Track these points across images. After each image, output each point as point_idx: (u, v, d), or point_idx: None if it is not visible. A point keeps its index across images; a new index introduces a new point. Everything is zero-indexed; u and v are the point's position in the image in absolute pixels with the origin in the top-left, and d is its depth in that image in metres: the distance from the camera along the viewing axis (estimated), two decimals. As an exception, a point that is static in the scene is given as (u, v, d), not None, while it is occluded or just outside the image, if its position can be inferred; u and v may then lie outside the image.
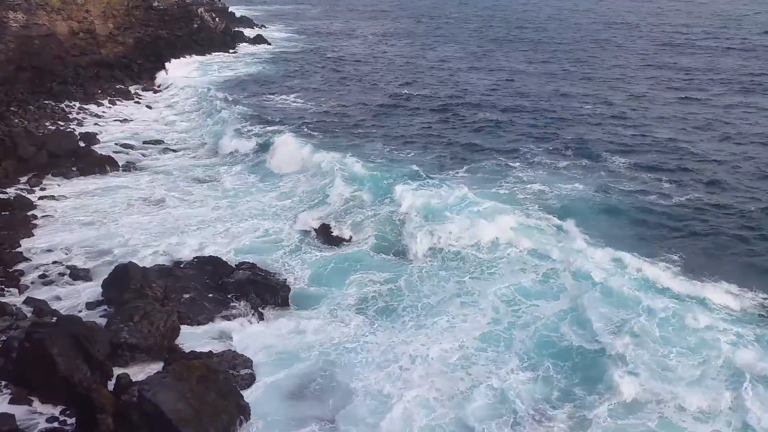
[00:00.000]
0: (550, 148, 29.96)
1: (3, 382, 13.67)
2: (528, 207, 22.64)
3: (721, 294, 16.62)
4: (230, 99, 41.15)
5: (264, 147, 29.98)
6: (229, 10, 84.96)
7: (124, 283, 16.74)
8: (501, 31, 77.84)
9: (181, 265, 19.05)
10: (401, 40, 74.30)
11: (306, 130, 33.27)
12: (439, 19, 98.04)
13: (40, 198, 25.18)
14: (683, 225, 21.49)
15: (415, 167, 26.27)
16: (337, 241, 20.94)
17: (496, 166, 27.72)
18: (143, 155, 31.19)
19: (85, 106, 39.86)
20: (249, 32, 75.18)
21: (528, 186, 24.91)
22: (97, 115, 38.85)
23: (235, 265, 18.93)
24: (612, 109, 37.58)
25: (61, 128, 33.76)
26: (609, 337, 14.83)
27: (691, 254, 19.32)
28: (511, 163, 27.92)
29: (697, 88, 43.23)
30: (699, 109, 37.07)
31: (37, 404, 13.24)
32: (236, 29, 73.68)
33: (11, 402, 13.20)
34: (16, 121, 33.25)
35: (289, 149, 28.52)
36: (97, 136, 33.44)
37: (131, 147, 32.30)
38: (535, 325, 15.76)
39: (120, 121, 37.93)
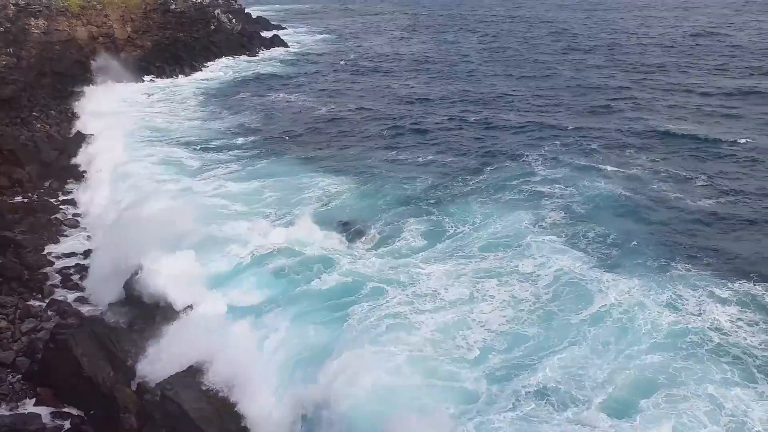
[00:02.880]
0: (575, 146, 29.16)
1: (29, 383, 13.90)
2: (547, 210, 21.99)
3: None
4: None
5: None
6: (246, 11, 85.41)
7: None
8: (526, 29, 76.98)
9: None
10: (421, 36, 73.99)
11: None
12: (463, 15, 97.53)
13: (63, 202, 25.53)
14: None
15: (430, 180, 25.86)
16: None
17: (518, 167, 26.84)
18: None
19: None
20: (266, 33, 75.54)
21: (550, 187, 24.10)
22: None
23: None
24: (637, 105, 36.90)
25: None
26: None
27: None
28: (533, 163, 27.13)
29: (739, 79, 41.87)
30: (742, 105, 35.77)
31: (61, 404, 13.41)
32: (253, 30, 74.06)
33: (37, 403, 13.42)
34: (38, 126, 33.78)
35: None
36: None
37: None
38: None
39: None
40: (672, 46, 57.37)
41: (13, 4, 40.48)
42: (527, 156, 28.03)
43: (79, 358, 13.48)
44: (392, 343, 14.36)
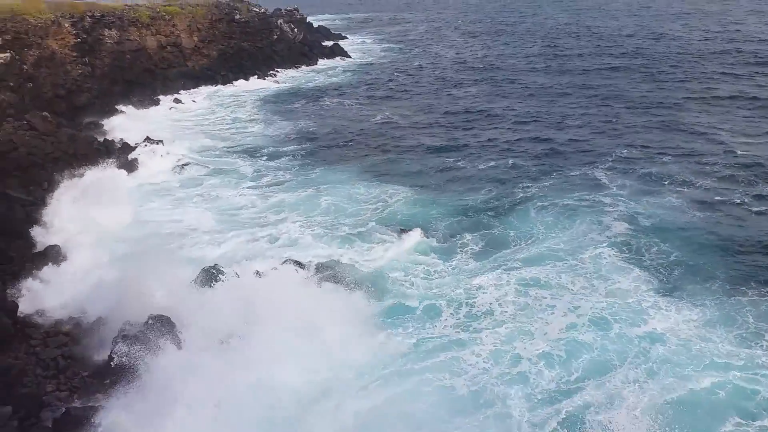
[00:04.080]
0: (643, 158, 28.19)
1: (98, 378, 14.51)
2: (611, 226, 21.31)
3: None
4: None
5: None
6: (308, 20, 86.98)
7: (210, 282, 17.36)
8: (590, 37, 75.73)
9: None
10: (483, 43, 73.64)
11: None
12: (525, 23, 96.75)
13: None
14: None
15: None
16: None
17: (581, 178, 26.33)
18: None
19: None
20: (327, 42, 76.69)
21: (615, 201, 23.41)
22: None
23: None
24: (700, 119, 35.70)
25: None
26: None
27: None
28: (598, 175, 26.48)
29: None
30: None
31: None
32: (314, 39, 75.32)
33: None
34: (108, 131, 35.28)
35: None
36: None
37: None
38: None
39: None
40: (746, 57, 55.15)
41: (90, 16, 42.51)
42: (592, 167, 27.46)
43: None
44: (447, 364, 14.36)
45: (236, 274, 17.89)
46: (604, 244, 19.82)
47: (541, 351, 14.67)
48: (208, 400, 12.96)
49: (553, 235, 20.81)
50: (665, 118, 35.18)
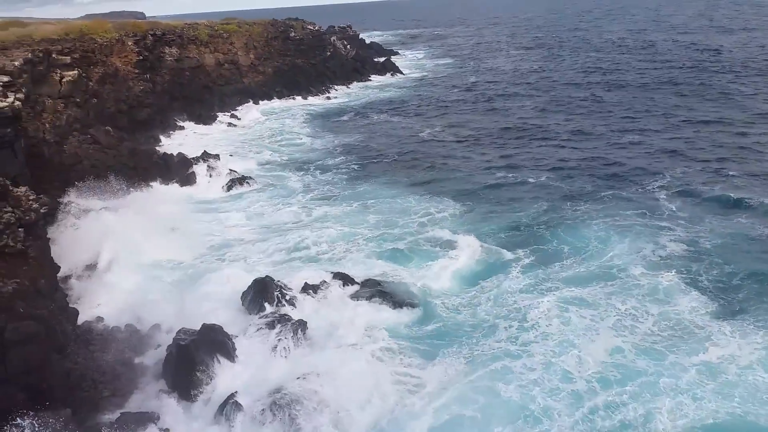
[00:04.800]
0: (708, 175, 27.15)
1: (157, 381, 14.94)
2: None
3: None
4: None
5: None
6: (360, 36, 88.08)
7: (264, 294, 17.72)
8: (652, 50, 73.98)
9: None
10: (539, 56, 72.91)
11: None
12: (582, 35, 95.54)
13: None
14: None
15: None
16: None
17: (638, 193, 25.65)
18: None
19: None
20: (379, 58, 77.40)
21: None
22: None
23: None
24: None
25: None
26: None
27: None
28: (656, 191, 25.80)
29: None
30: None
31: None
32: (366, 56, 76.16)
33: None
34: (167, 144, 36.50)
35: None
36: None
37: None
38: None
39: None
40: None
41: (151, 35, 44.16)
42: (649, 185, 26.69)
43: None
44: (498, 374, 14.26)
45: (285, 286, 18.16)
46: (660, 264, 19.21)
47: (590, 372, 14.29)
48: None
49: (606, 252, 20.27)
50: (730, 135, 33.71)
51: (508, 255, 20.79)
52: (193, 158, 32.27)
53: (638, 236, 21.23)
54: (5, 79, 19.56)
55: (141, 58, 40.43)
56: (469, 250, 21.05)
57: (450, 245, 21.53)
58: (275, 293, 17.57)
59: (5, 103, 16.68)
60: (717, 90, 46.00)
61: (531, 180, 28.71)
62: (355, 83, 64.05)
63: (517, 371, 14.37)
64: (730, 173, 27.20)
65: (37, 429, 12.30)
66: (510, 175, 29.73)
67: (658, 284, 17.96)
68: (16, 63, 23.90)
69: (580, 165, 30.55)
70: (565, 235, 21.88)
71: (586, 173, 29.09)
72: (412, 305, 17.75)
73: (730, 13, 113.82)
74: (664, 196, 25.15)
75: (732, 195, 24.43)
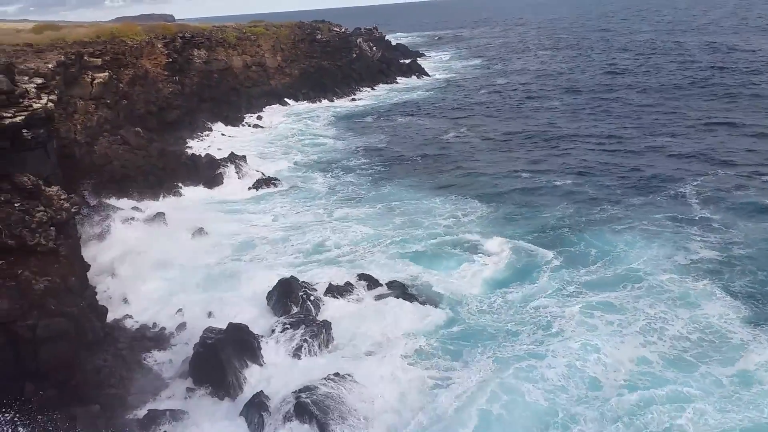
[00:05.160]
0: (743, 179, 26.40)
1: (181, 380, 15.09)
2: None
3: None
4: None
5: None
6: (386, 38, 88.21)
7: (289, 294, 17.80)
8: (683, 51, 72.71)
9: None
10: (566, 56, 72.06)
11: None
12: (610, 36, 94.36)
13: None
14: None
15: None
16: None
17: (669, 198, 25.18)
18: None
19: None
20: (404, 60, 77.33)
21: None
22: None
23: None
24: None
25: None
26: None
27: None
28: (688, 195, 25.22)
29: None
30: None
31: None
32: (392, 57, 76.20)
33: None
34: (195, 146, 36.91)
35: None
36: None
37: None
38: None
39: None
40: None
41: (180, 37, 44.73)
42: (681, 189, 26.11)
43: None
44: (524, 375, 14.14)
45: (310, 286, 18.24)
46: (690, 269, 18.86)
47: (614, 378, 14.07)
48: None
49: (635, 257, 19.94)
50: (764, 139, 32.83)
51: (534, 259, 20.57)
52: (220, 159, 32.59)
53: (668, 241, 20.85)
54: (39, 81, 19.89)
55: (170, 60, 40.98)
56: (495, 254, 20.93)
57: (476, 248, 21.41)
58: (300, 294, 17.66)
59: (39, 105, 16.94)
60: (750, 92, 44.92)
61: (558, 183, 28.36)
62: (380, 85, 64.10)
63: (542, 375, 14.18)
64: (764, 178, 26.53)
65: (67, 425, 12.50)
66: (537, 177, 29.40)
67: (688, 290, 17.61)
68: (50, 65, 24.37)
69: (608, 168, 30.07)
70: (593, 239, 21.58)
71: (614, 177, 28.63)
72: (439, 308, 17.67)
73: (765, 13, 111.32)
74: (696, 201, 24.61)
75: (765, 201, 23.83)
